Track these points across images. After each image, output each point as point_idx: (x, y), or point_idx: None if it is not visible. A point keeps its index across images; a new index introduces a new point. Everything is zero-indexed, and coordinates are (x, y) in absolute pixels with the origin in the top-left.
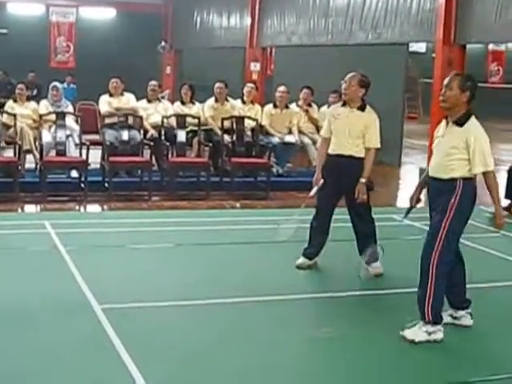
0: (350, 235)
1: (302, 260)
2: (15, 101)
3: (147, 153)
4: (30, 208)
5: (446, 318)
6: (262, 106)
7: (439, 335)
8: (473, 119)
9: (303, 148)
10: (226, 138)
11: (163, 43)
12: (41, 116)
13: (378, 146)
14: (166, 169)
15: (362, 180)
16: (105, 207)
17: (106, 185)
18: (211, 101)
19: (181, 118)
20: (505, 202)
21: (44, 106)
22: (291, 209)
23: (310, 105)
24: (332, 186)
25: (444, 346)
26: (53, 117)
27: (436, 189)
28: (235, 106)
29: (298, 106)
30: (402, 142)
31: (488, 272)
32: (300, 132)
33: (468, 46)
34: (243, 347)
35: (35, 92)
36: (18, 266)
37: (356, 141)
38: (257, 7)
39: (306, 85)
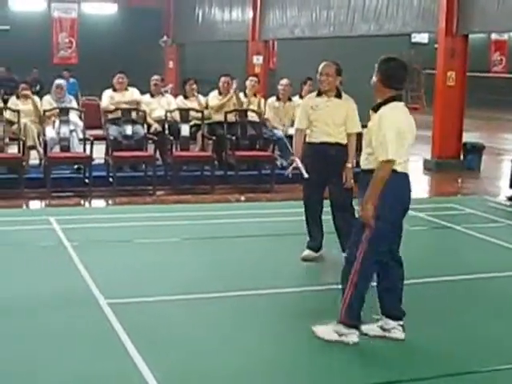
0: None
1: (307, 252)
2: (18, 97)
3: (151, 147)
4: (34, 204)
5: (375, 330)
6: (265, 99)
7: (351, 338)
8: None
9: None
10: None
11: (165, 37)
12: (44, 112)
13: (360, 130)
14: (170, 163)
15: (349, 165)
16: (109, 202)
17: (111, 180)
18: (215, 93)
19: (184, 112)
20: (508, 192)
21: (47, 102)
22: (296, 201)
23: None
24: (319, 175)
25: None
26: (56, 112)
27: None
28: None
29: (300, 97)
30: None
31: (489, 261)
32: None
33: (470, 36)
34: (248, 340)
35: (38, 87)
36: (23, 261)
37: (339, 128)
38: (258, 0)
39: (309, 76)
